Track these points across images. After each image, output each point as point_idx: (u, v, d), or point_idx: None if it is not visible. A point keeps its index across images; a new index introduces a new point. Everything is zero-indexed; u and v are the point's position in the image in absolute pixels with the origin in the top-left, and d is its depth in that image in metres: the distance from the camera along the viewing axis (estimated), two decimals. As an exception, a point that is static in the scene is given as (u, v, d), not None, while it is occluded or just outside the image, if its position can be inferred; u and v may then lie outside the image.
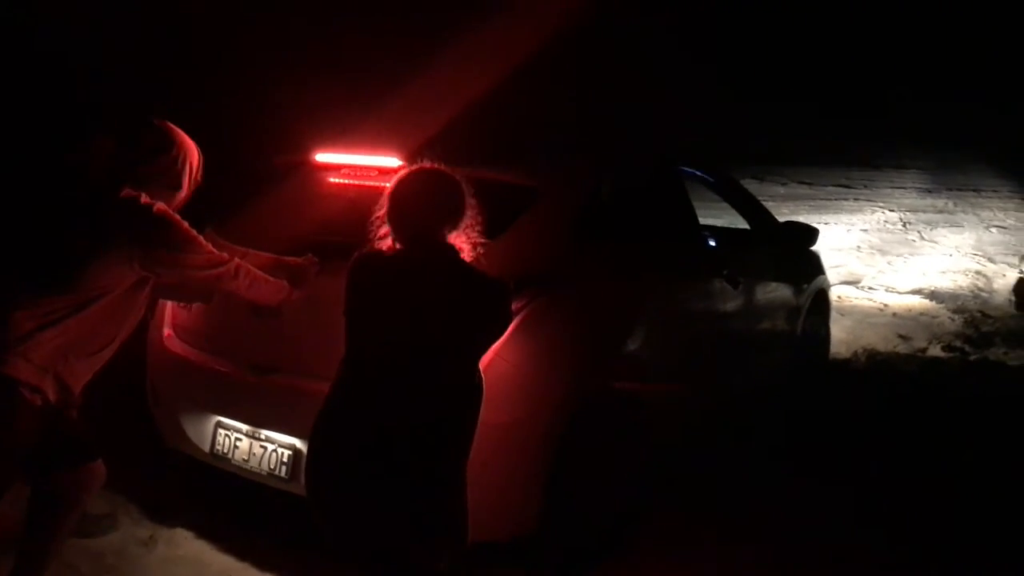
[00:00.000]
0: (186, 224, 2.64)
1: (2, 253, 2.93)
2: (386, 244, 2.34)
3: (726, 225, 5.98)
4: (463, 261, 2.31)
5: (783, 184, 14.97)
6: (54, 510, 2.71)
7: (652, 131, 6.99)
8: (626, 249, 3.54)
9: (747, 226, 5.21)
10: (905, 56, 11.30)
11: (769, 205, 12.24)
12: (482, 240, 2.36)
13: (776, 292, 4.99)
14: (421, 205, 2.32)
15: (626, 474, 3.39)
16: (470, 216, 2.35)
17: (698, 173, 4.75)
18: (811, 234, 5.19)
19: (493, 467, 2.81)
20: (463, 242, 2.33)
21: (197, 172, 2.76)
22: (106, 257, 2.51)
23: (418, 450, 2.15)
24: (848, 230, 11.89)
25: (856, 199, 14.04)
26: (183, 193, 2.72)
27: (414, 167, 2.42)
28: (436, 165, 2.41)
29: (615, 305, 3.37)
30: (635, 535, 3.43)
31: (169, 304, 3.47)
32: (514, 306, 2.79)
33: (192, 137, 2.78)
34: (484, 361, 2.64)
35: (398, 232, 2.31)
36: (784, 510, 3.73)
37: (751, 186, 12.72)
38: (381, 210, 2.35)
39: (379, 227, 2.36)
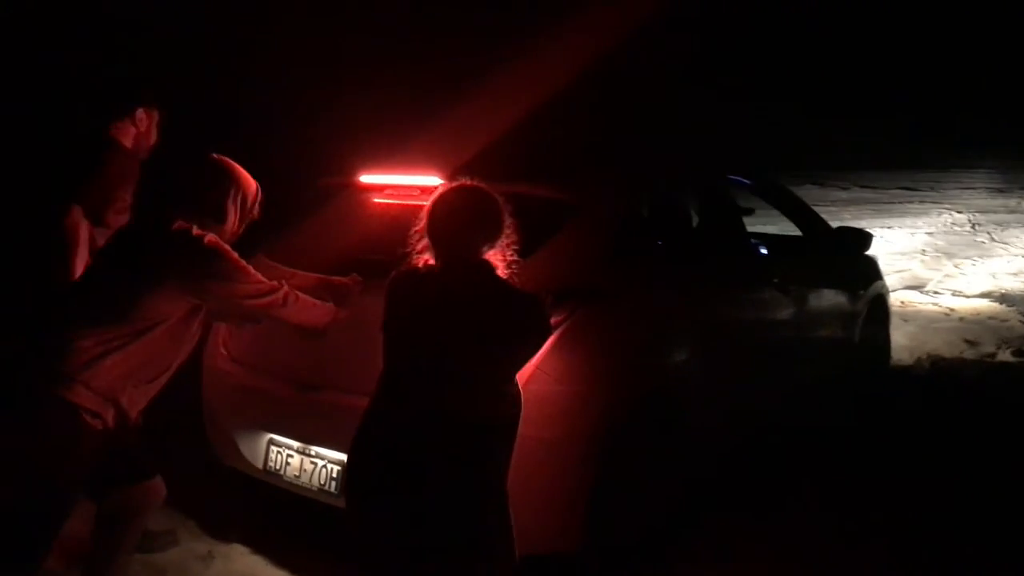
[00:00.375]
0: (235, 255, 2.71)
1: (66, 283, 3.06)
2: (423, 260, 2.39)
3: (779, 232, 5.91)
4: (498, 277, 2.34)
5: (845, 189, 14.68)
6: (117, 527, 2.80)
7: (705, 144, 6.95)
8: (669, 261, 3.54)
9: (799, 233, 5.16)
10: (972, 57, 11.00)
11: (830, 210, 12.08)
12: (516, 258, 2.39)
13: (830, 299, 4.91)
14: (459, 222, 2.35)
15: (670, 486, 3.38)
16: (507, 234, 2.37)
17: (746, 182, 4.72)
18: (864, 239, 5.11)
19: (536, 482, 2.83)
20: (499, 259, 2.37)
21: (253, 206, 2.83)
22: (160, 288, 2.59)
23: (454, 464, 2.18)
24: (912, 234, 11.61)
25: (921, 201, 13.70)
26: (234, 226, 2.79)
27: (453, 184, 2.46)
28: (475, 182, 2.44)
29: (658, 317, 3.36)
30: (681, 546, 3.41)
31: (223, 326, 3.57)
32: (554, 320, 2.82)
33: (247, 163, 2.87)
34: (525, 375, 2.68)
35: (436, 248, 2.35)
36: (838, 524, 3.67)
37: (811, 192, 12.58)
38: (419, 225, 2.40)
39: (417, 242, 2.41)
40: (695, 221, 3.96)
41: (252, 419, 3.39)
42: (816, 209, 11.83)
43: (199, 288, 2.64)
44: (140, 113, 3.49)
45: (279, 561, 3.32)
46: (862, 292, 5.27)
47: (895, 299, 8.96)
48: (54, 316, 2.67)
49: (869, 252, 5.87)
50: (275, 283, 2.76)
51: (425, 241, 2.37)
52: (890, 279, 9.67)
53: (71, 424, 2.50)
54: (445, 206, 2.38)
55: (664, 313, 3.43)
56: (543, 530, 2.91)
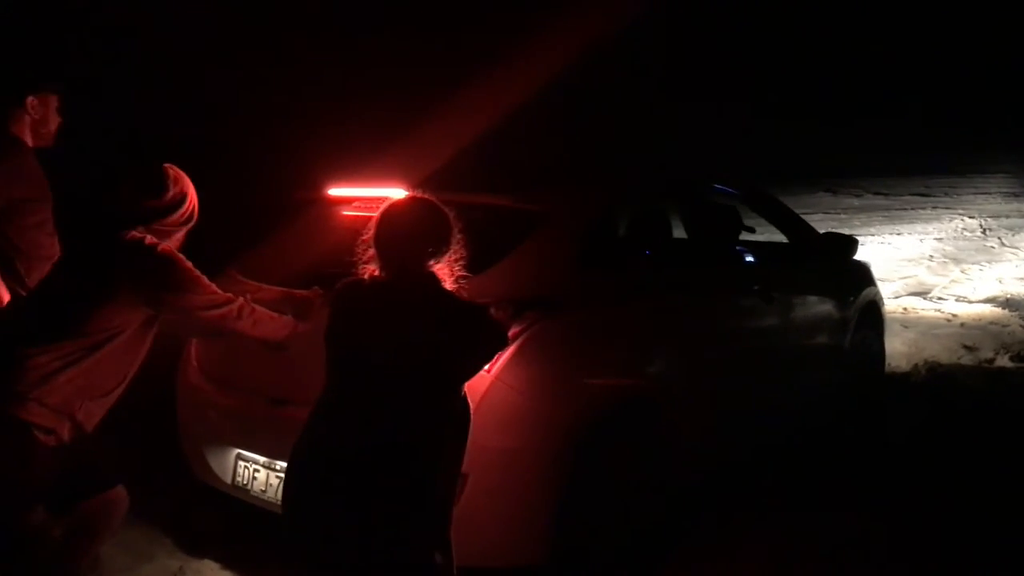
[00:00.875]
0: (190, 265, 2.71)
1: (20, 299, 3.06)
2: (369, 271, 2.38)
3: (766, 240, 5.87)
4: (443, 290, 2.32)
5: (858, 196, 14.58)
6: (81, 538, 2.78)
7: (695, 155, 6.90)
8: (639, 271, 3.51)
9: (786, 240, 5.12)
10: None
11: (841, 218, 11.99)
12: (464, 273, 2.38)
13: (817, 306, 4.86)
14: (406, 234, 2.35)
15: (650, 498, 3.34)
16: (455, 248, 2.36)
17: (729, 190, 4.69)
18: (850, 245, 5.06)
19: (499, 494, 2.81)
20: (446, 272, 2.35)
21: (194, 214, 2.84)
22: (116, 299, 2.59)
23: (391, 472, 2.16)
24: (921, 240, 11.52)
25: (934, 207, 13.59)
26: (180, 235, 2.80)
27: (402, 196, 2.45)
28: (424, 195, 2.44)
29: (629, 327, 3.33)
30: (661, 557, 3.38)
31: (195, 341, 3.57)
32: (513, 330, 2.81)
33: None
34: (483, 386, 2.67)
35: (382, 259, 2.34)
36: (826, 537, 3.61)
37: (824, 200, 12.52)
38: (367, 235, 2.39)
39: (364, 252, 2.40)
40: (674, 231, 3.93)
41: (221, 434, 3.38)
42: (826, 217, 11.79)
43: (153, 298, 2.64)
44: (32, 101, 3.30)
45: (249, 576, 3.31)
46: (852, 298, 5.21)
47: (897, 305, 8.90)
48: (4, 331, 2.67)
49: (863, 259, 5.84)
50: (230, 295, 2.75)
51: (372, 252, 2.37)
52: (894, 285, 9.62)
53: (23, 443, 2.50)
54: (393, 218, 2.37)
55: (637, 323, 3.40)
56: (508, 543, 2.90)
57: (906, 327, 7.74)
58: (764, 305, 4.25)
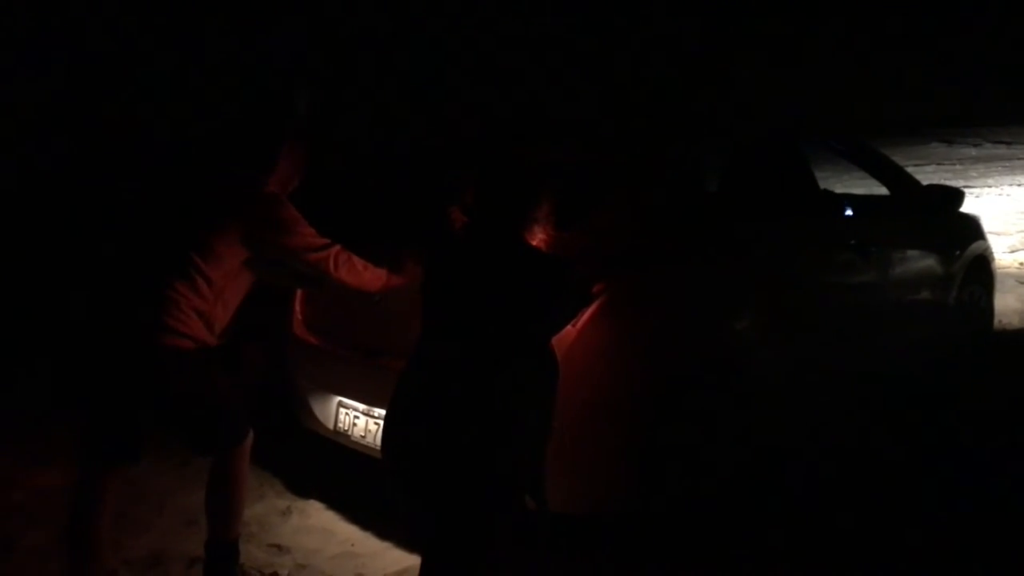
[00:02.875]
0: (293, 208, 2.87)
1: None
2: (461, 225, 2.48)
3: (866, 193, 5.73)
4: (531, 246, 2.41)
5: (976, 145, 13.92)
6: (226, 479, 2.94)
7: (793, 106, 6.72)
8: (729, 226, 3.51)
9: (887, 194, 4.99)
10: None
11: (956, 169, 11.48)
12: (551, 229, 2.45)
13: (919, 261, 4.74)
14: (498, 193, 2.44)
15: (736, 454, 3.38)
16: (545, 207, 2.44)
17: (828, 143, 4.59)
18: (955, 197, 4.88)
19: (586, 445, 2.91)
20: (534, 229, 2.44)
21: (303, 166, 3.00)
22: (225, 235, 2.77)
23: (480, 423, 2.26)
24: (1047, 190, 10.92)
25: (1064, 155, 12.86)
26: (287, 180, 2.97)
27: (495, 154, 2.55)
28: (516, 151, 2.52)
29: (713, 284, 3.35)
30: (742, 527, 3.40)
31: (299, 295, 3.77)
32: (598, 287, 2.87)
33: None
34: (568, 341, 2.75)
35: (475, 215, 2.44)
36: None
37: (938, 150, 11.98)
38: (463, 194, 2.50)
39: (458, 209, 2.50)
40: (758, 184, 3.88)
41: (323, 383, 3.58)
42: (939, 169, 11.29)
43: (257, 237, 2.80)
44: None
45: (351, 517, 3.52)
46: (958, 253, 5.05)
47: (1013, 260, 8.52)
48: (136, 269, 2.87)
49: (973, 212, 5.63)
50: (328, 240, 2.90)
51: (465, 209, 2.47)
52: (1011, 239, 9.19)
53: (173, 360, 2.72)
54: (488, 175, 2.47)
55: (722, 280, 3.41)
56: (593, 491, 3.00)
57: (1022, 283, 7.43)
58: (860, 260, 4.18)
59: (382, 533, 3.37)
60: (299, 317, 3.75)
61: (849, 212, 4.58)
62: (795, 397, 3.71)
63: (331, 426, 3.52)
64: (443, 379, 2.34)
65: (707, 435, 3.21)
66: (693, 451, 3.17)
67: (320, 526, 3.49)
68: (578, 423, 2.85)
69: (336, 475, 3.75)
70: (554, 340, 2.47)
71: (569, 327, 2.74)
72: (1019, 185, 11.29)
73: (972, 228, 5.33)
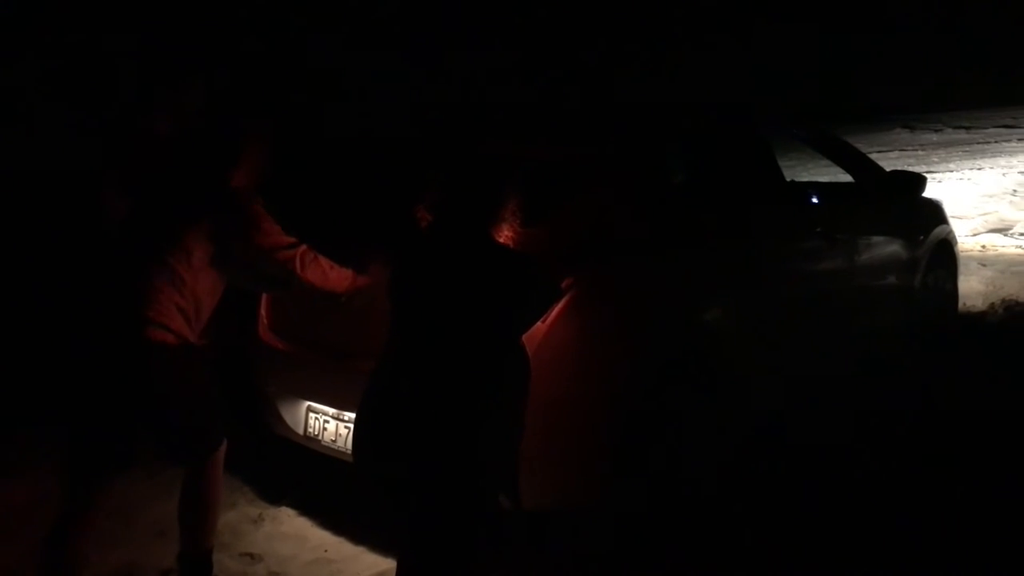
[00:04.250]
0: (259, 203, 2.85)
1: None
2: (426, 224, 2.46)
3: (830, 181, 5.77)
4: (497, 243, 2.39)
5: (937, 131, 14.12)
6: (201, 489, 2.92)
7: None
8: (694, 216, 3.51)
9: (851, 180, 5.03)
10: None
11: (918, 155, 11.63)
12: (518, 226, 2.44)
13: (885, 247, 4.78)
14: (464, 191, 2.42)
15: (715, 447, 3.39)
16: (510, 203, 2.43)
17: (791, 132, 4.61)
18: (918, 183, 4.93)
19: (554, 440, 2.89)
20: (502, 226, 2.42)
21: (267, 164, 2.97)
22: (193, 230, 2.75)
23: (450, 421, 2.25)
24: (1004, 174, 11.11)
25: (1021, 139, 13.08)
26: (261, 174, 2.95)
27: (459, 153, 2.52)
28: (481, 149, 2.50)
29: (681, 277, 3.35)
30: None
31: (265, 299, 3.72)
32: (564, 283, 2.86)
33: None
34: (537, 337, 2.74)
35: (439, 214, 2.42)
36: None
37: (901, 136, 12.08)
38: (428, 193, 2.47)
39: (423, 209, 2.48)
40: (723, 174, 3.89)
41: (292, 388, 3.53)
42: (903, 155, 11.43)
43: (223, 231, 2.77)
44: None
45: (324, 522, 3.48)
46: (922, 238, 5.10)
47: (976, 243, 8.63)
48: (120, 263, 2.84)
49: (935, 196, 5.70)
50: (295, 240, 2.88)
51: (431, 209, 2.44)
52: (973, 223, 9.31)
53: (159, 350, 2.69)
54: (453, 174, 2.45)
55: (691, 272, 3.41)
56: (566, 486, 2.98)
57: (984, 265, 7.52)
58: (827, 248, 4.21)
59: (356, 538, 3.34)
60: (265, 321, 3.70)
61: (815, 200, 4.61)
62: (767, 388, 3.72)
63: (301, 431, 3.48)
64: (413, 378, 2.32)
65: (680, 430, 3.21)
66: (666, 446, 3.17)
67: (293, 532, 3.44)
68: (549, 419, 2.83)
69: (308, 481, 3.71)
70: (524, 337, 2.46)
71: (539, 323, 2.71)
72: (979, 169, 11.46)
73: (935, 213, 5.39)
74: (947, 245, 5.44)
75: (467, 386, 2.27)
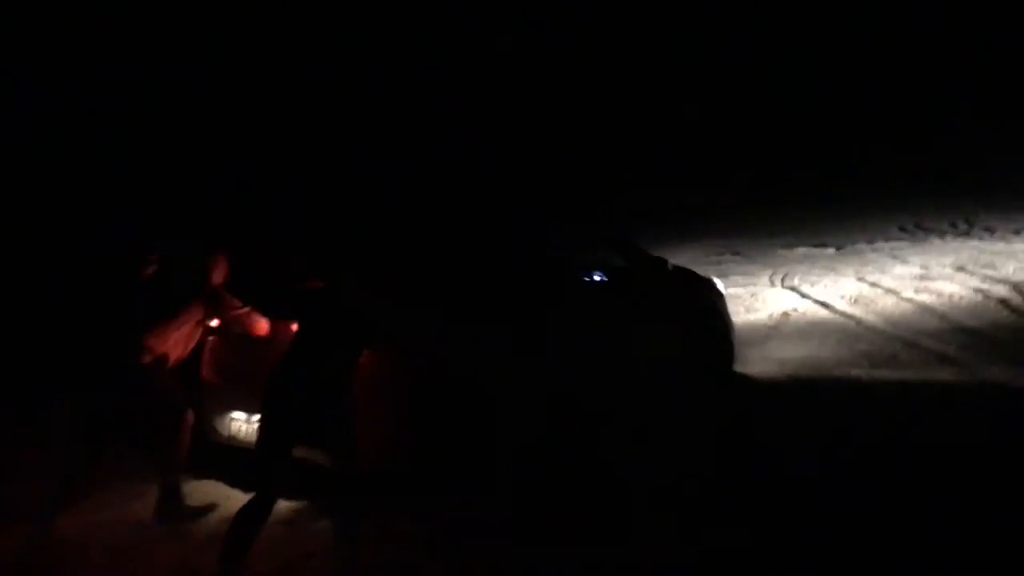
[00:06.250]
0: (227, 294, 5.09)
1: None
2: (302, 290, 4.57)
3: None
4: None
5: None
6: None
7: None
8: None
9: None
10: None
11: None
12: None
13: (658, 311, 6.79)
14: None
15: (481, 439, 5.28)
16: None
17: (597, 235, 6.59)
18: (663, 263, 7.00)
19: (373, 420, 4.80)
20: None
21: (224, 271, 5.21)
22: (186, 311, 4.93)
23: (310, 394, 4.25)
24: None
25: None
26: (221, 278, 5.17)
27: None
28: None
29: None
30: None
31: (205, 352, 5.64)
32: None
33: None
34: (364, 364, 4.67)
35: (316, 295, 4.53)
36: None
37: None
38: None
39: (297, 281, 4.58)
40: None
41: (221, 405, 5.44)
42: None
43: (210, 306, 5.06)
44: None
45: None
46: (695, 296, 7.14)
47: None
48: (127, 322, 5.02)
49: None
50: (243, 305, 5.08)
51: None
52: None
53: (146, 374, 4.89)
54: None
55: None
56: (382, 454, 4.87)
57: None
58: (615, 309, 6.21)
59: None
60: (206, 360, 5.62)
61: (598, 277, 6.58)
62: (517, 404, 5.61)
63: (226, 434, 5.38)
64: (294, 371, 4.25)
65: (456, 423, 5.12)
66: (449, 434, 5.07)
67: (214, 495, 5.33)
68: (367, 406, 4.71)
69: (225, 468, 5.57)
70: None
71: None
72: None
73: (707, 283, 7.40)
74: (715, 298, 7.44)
75: (322, 374, 4.23)
